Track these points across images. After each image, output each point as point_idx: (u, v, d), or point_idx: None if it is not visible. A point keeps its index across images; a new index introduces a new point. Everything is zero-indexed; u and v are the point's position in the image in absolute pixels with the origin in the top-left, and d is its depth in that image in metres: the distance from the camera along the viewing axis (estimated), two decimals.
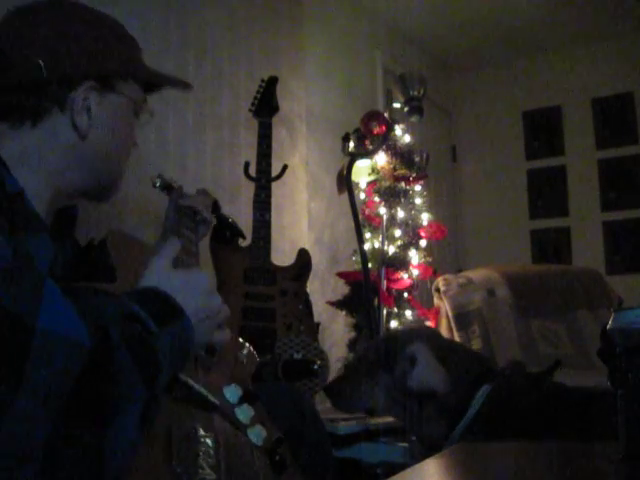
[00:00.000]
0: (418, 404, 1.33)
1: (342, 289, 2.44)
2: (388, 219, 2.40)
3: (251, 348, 1.13)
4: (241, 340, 1.15)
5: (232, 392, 0.95)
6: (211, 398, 0.88)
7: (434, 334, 1.50)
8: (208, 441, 0.80)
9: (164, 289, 0.80)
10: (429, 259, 2.45)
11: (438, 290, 2.48)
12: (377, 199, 2.42)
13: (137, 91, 1.03)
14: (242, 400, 0.95)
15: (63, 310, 0.65)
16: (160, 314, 0.76)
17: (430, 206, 2.52)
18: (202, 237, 1.45)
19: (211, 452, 0.79)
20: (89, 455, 0.62)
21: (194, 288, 0.84)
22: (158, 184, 1.39)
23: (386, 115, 2.40)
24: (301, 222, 2.90)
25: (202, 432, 0.80)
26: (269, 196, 1.99)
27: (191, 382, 0.87)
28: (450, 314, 2.41)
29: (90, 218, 1.75)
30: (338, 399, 1.48)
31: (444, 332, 2.35)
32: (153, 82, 1.07)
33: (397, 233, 2.41)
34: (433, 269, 2.46)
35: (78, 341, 0.63)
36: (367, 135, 2.30)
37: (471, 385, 1.29)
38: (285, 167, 2.13)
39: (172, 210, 1.38)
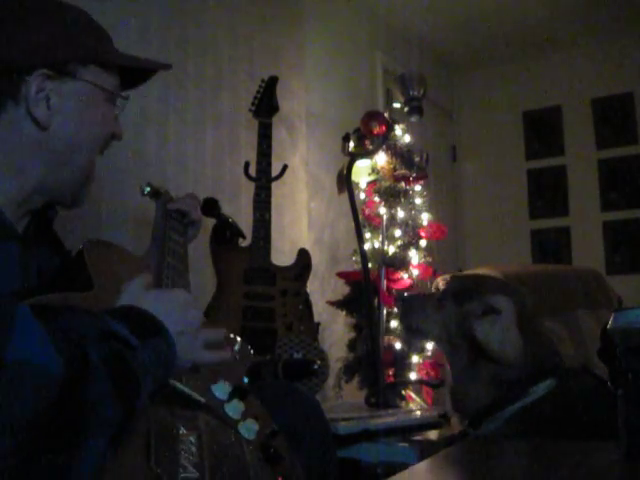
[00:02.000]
0: (472, 359, 1.24)
1: (342, 289, 2.44)
2: (388, 219, 2.40)
3: (244, 343, 1.13)
4: (232, 335, 1.15)
5: (221, 389, 0.94)
6: (195, 396, 0.87)
7: (523, 299, 1.35)
8: (191, 439, 0.79)
9: (140, 306, 0.79)
10: (429, 259, 2.45)
11: (438, 290, 2.48)
12: (377, 199, 2.42)
13: (105, 78, 0.98)
14: (232, 396, 0.94)
15: (35, 337, 0.62)
16: (140, 329, 0.75)
17: (430, 206, 2.51)
18: (192, 239, 1.44)
19: (193, 450, 0.78)
20: (56, 476, 0.61)
21: (168, 302, 0.83)
22: (147, 191, 1.39)
23: (386, 115, 2.40)
24: (301, 222, 2.90)
25: (184, 431, 0.79)
26: (269, 196, 1.99)
27: (173, 381, 0.86)
28: None
29: (78, 229, 1.74)
30: (406, 310, 1.46)
31: None
32: (126, 66, 1.03)
33: (397, 233, 2.41)
34: (433, 269, 2.45)
35: (50, 371, 0.61)
36: (367, 135, 2.30)
37: (537, 372, 1.19)
38: (285, 167, 2.13)
39: (160, 215, 1.37)
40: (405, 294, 1.74)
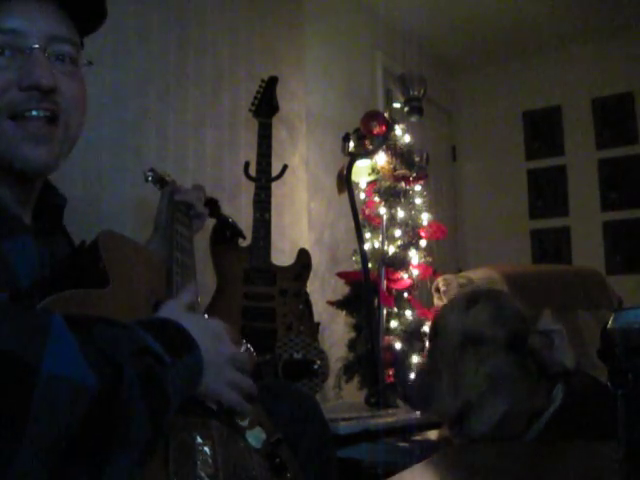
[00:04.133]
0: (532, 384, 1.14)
1: (342, 289, 2.44)
2: (388, 219, 2.40)
3: (249, 345, 1.12)
4: (243, 340, 1.14)
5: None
6: (208, 403, 0.87)
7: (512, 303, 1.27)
8: (206, 449, 0.78)
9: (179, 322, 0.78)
10: (429, 259, 2.45)
11: (438, 290, 2.48)
12: (377, 199, 2.42)
13: None
14: None
15: (69, 350, 0.59)
16: (174, 345, 0.73)
17: (430, 206, 2.51)
18: (197, 231, 1.42)
19: (209, 461, 0.77)
20: None
21: (204, 329, 0.82)
22: (150, 178, 1.36)
23: (386, 115, 2.40)
24: (301, 222, 2.90)
25: (199, 440, 0.79)
26: (269, 196, 1.99)
27: None
28: None
29: (83, 220, 1.74)
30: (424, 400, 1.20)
31: None
32: None
33: (397, 233, 2.41)
34: (433, 269, 2.45)
35: (84, 385, 0.58)
36: (367, 135, 2.30)
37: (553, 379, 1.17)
38: (285, 167, 2.13)
39: (165, 204, 1.34)
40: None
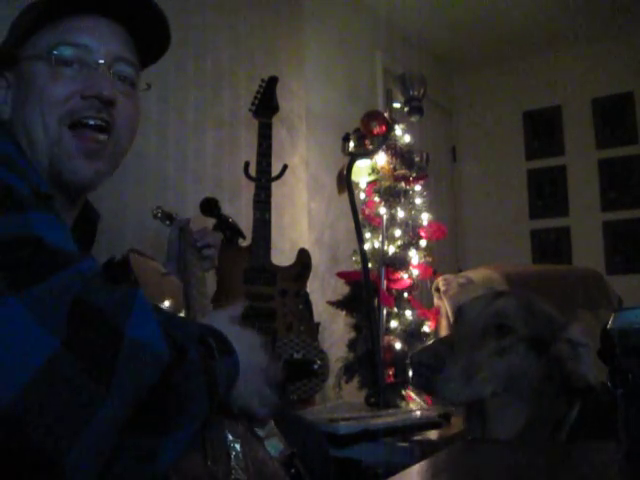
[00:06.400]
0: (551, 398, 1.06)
1: (342, 289, 2.44)
2: (388, 219, 2.39)
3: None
4: None
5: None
6: (233, 408, 0.89)
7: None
8: (237, 446, 0.83)
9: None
10: (429, 259, 2.45)
11: (438, 290, 2.48)
12: (377, 199, 2.42)
13: (43, 41, 0.92)
14: None
15: (149, 321, 0.66)
16: (219, 346, 0.78)
17: (430, 206, 2.51)
18: (208, 271, 1.45)
19: (240, 456, 0.82)
20: (143, 461, 0.63)
21: (243, 339, 0.87)
22: (159, 215, 1.42)
23: (386, 115, 2.40)
24: (301, 222, 2.90)
25: (231, 437, 0.83)
26: (269, 196, 1.99)
27: None
28: (450, 314, 2.41)
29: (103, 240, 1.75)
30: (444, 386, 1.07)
31: (444, 332, 2.35)
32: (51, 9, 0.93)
33: (397, 233, 2.41)
34: (433, 269, 2.45)
35: (160, 353, 0.64)
36: (367, 135, 2.30)
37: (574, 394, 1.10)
38: (285, 167, 2.13)
39: (175, 235, 1.39)
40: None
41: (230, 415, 0.87)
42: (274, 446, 0.93)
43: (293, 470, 0.93)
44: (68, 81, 0.91)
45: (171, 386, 0.65)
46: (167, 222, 1.43)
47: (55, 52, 0.91)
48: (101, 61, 0.93)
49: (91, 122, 0.92)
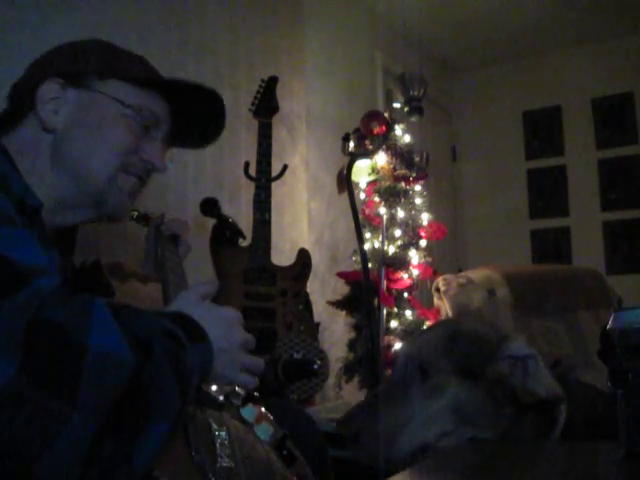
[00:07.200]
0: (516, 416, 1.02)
1: (342, 289, 2.44)
2: (388, 219, 2.40)
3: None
4: None
5: (235, 395, 0.96)
6: (215, 396, 0.90)
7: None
8: (222, 434, 0.82)
9: (190, 314, 0.83)
10: (429, 259, 2.45)
11: (438, 290, 2.48)
12: (377, 199, 2.42)
13: (128, 92, 1.01)
14: (246, 401, 0.96)
15: (110, 329, 0.65)
16: (188, 333, 0.78)
17: (430, 206, 2.51)
18: (184, 257, 1.47)
19: (226, 443, 0.81)
20: (119, 465, 0.63)
21: (217, 318, 0.88)
22: (135, 216, 1.43)
23: (386, 115, 2.40)
24: (301, 222, 2.90)
25: (215, 426, 0.83)
26: (269, 196, 1.99)
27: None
28: (450, 314, 2.41)
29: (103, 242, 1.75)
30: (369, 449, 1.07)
31: None
32: (153, 82, 1.05)
33: (397, 233, 2.41)
34: (433, 269, 2.46)
35: (124, 360, 0.64)
36: (367, 135, 2.30)
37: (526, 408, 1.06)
38: (285, 167, 2.13)
39: (152, 234, 1.41)
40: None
41: (214, 405, 0.87)
42: (264, 430, 0.93)
43: (285, 452, 0.92)
44: (136, 140, 1.03)
45: (139, 386, 0.65)
46: (143, 223, 1.44)
47: (141, 115, 1.02)
48: (160, 135, 1.08)
49: (138, 174, 1.08)
